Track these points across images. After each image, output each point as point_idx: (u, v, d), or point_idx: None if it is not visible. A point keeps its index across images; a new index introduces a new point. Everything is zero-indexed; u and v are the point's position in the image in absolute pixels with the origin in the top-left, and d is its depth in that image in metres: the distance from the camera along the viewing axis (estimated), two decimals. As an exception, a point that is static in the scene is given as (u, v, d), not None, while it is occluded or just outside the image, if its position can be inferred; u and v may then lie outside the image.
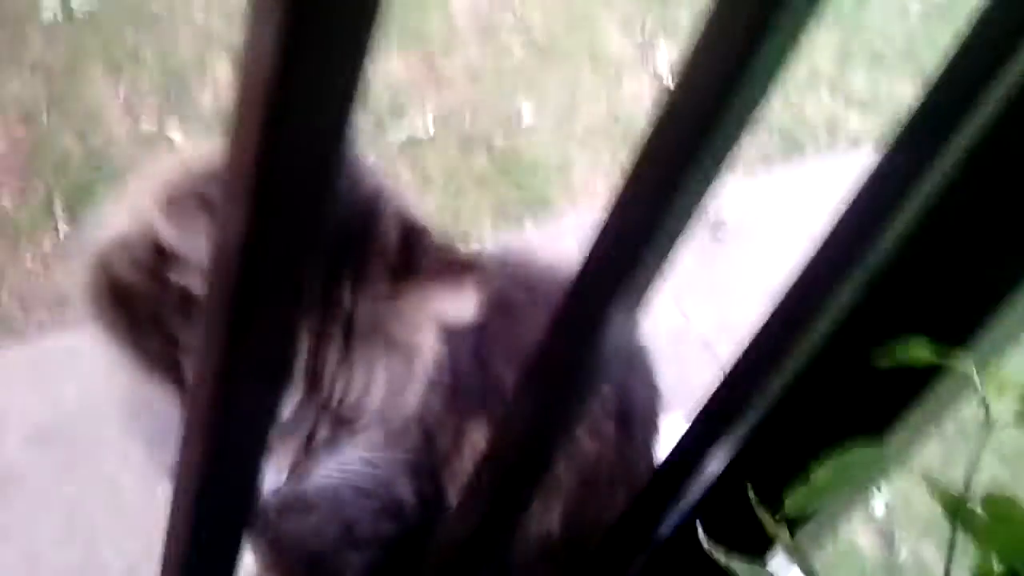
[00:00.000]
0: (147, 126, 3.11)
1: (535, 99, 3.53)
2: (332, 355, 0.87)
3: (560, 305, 0.66)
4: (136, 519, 2.47)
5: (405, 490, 1.02)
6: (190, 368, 0.88)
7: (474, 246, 3.13)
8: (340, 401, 0.89)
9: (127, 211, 0.96)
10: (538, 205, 3.32)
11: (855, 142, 3.66)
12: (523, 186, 3.35)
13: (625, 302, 0.62)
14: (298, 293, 0.48)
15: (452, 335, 1.02)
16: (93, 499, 2.49)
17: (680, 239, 0.59)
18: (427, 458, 1.02)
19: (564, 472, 1.06)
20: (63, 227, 2.86)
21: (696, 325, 3.06)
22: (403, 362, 0.92)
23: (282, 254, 0.45)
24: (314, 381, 0.88)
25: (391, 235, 0.91)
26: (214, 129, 3.16)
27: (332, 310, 0.87)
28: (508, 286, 1.09)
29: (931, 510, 2.85)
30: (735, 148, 0.54)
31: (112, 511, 2.48)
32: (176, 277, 0.90)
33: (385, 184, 0.97)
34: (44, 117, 3.04)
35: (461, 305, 0.92)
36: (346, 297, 0.87)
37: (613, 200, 0.59)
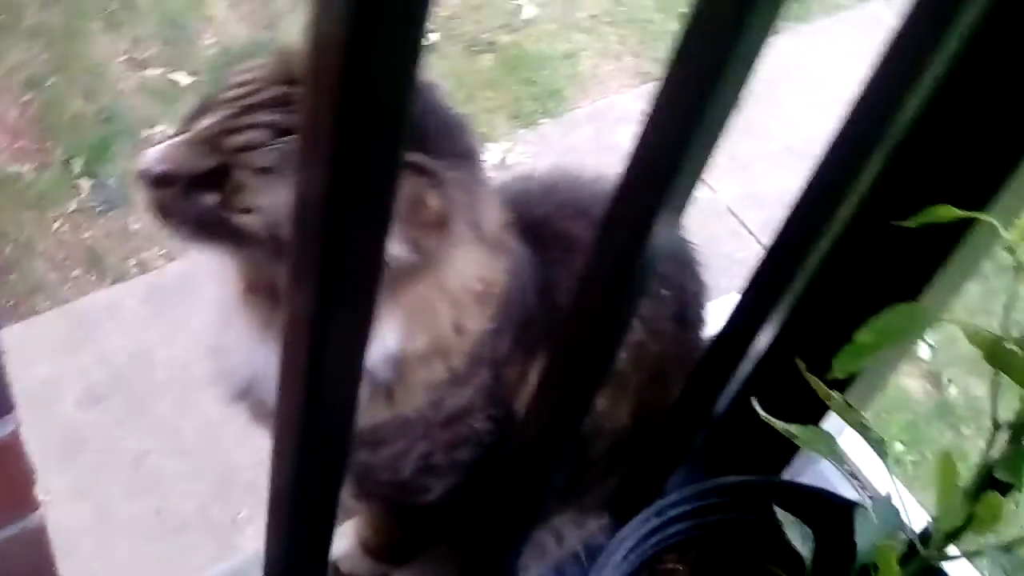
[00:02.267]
0: (152, 75, 3.11)
1: (532, -9, 3.50)
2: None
3: (605, 216, 0.67)
4: (200, 461, 2.52)
5: (478, 419, 1.06)
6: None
7: (504, 153, 3.14)
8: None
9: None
10: (550, 99, 3.31)
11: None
12: (533, 81, 3.34)
13: (669, 208, 0.63)
14: (382, 236, 0.50)
15: (521, 281, 1.06)
16: (156, 448, 2.54)
17: (719, 140, 0.60)
18: (497, 390, 1.05)
19: (632, 372, 1.10)
20: (84, 186, 2.89)
21: (722, 196, 3.07)
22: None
23: (365, 202, 0.47)
24: None
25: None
26: (219, 67, 3.16)
27: None
28: (562, 217, 1.11)
29: (974, 348, 2.87)
30: (766, 44, 0.54)
31: (176, 456, 2.53)
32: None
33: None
34: (50, 80, 3.04)
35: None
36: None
37: (649, 107, 0.59)
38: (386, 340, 0.95)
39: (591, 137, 3.25)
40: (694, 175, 0.62)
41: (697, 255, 1.20)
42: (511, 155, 3.13)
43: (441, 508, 1.16)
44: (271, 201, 0.88)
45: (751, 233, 3.01)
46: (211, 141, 0.91)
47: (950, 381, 2.85)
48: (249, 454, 2.49)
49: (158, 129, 2.99)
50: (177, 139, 0.92)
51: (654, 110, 0.59)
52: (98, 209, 2.84)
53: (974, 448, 2.72)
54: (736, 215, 3.07)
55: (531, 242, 1.09)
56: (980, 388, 2.83)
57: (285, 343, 0.59)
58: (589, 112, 3.34)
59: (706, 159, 0.61)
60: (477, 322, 1.01)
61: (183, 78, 3.11)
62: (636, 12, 3.56)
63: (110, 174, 2.89)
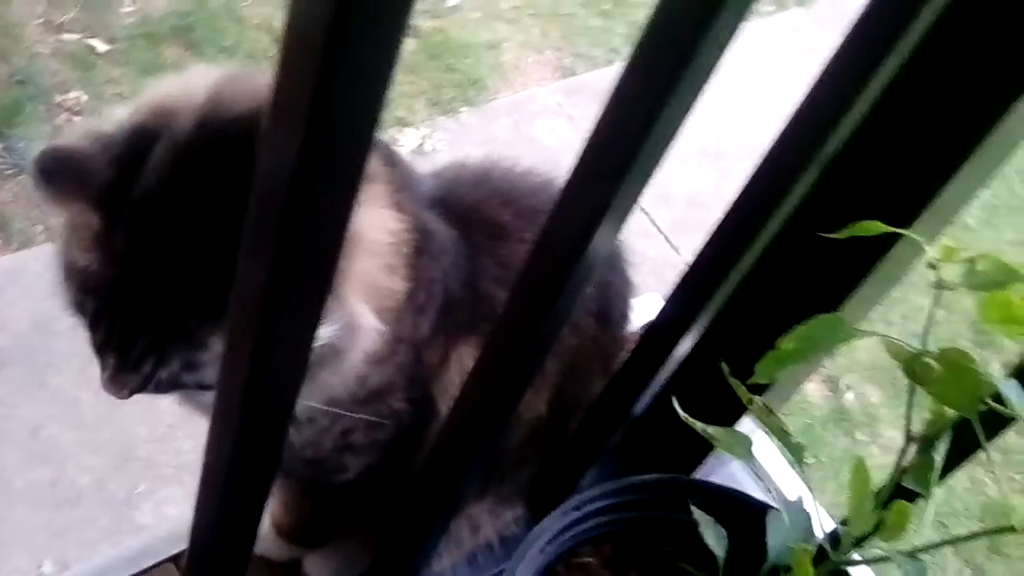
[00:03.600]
0: (69, 39, 3.05)
1: (457, -22, 3.51)
2: None
3: (547, 222, 0.68)
4: (99, 434, 2.49)
5: (397, 399, 1.07)
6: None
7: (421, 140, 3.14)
8: None
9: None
10: (471, 87, 3.32)
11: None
12: (454, 69, 3.35)
13: (614, 216, 0.64)
14: (346, 215, 0.50)
15: (443, 263, 1.07)
16: (54, 418, 2.51)
17: (670, 144, 0.61)
18: (416, 373, 1.06)
19: (549, 363, 1.11)
20: (-5, 147, 2.83)
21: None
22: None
23: (331, 180, 0.47)
24: None
25: None
26: (136, 36, 3.11)
27: None
28: (493, 205, 1.12)
29: (873, 356, 2.98)
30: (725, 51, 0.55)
31: (74, 428, 2.50)
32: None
33: None
34: (-39, 39, 2.97)
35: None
36: None
37: (601, 111, 0.60)
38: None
39: (510, 128, 3.27)
40: (645, 177, 0.63)
41: (625, 253, 1.22)
42: (429, 141, 3.13)
43: (355, 488, 1.16)
44: None
45: (661, 232, 3.05)
46: None
47: (848, 387, 2.92)
48: (149, 430, 2.47)
49: (72, 95, 2.94)
50: None
51: (608, 109, 0.60)
52: (7, 172, 2.79)
53: (867, 454, 2.80)
54: (647, 213, 3.12)
55: (458, 226, 1.10)
56: (876, 395, 2.91)
57: (234, 320, 0.59)
58: (509, 103, 3.36)
59: (657, 161, 0.62)
60: (394, 280, 1.00)
61: (100, 45, 3.06)
62: (559, 6, 3.59)
63: (21, 137, 2.83)
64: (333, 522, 1.33)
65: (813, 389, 2.90)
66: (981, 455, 0.85)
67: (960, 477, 2.64)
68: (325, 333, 0.88)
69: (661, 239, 3.04)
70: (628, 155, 0.60)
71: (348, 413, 1.03)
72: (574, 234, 0.66)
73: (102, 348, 0.94)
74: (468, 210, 1.12)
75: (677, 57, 0.54)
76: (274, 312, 0.54)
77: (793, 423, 2.78)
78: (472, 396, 0.86)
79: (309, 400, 0.98)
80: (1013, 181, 3.71)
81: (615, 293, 1.20)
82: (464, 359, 1.08)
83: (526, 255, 0.71)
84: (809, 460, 2.66)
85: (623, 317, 1.22)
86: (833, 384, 2.94)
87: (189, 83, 0.94)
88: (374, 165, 0.95)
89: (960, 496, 2.68)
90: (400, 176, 1.03)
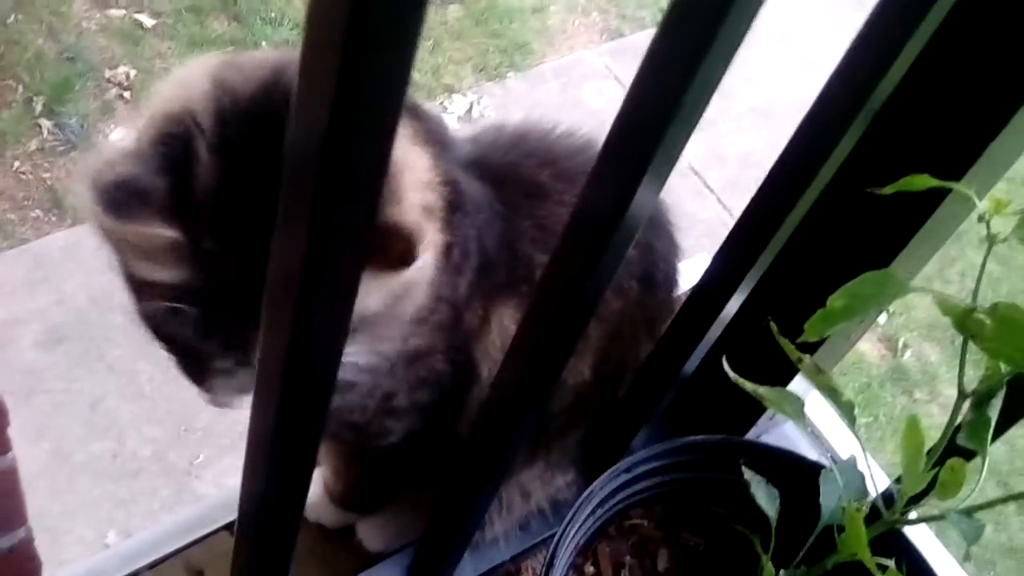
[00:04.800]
0: (115, 14, 3.07)
1: (502, -57, 3.48)
2: None
3: (590, 179, 0.68)
4: (157, 405, 2.52)
5: (439, 360, 1.07)
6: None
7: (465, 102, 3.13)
8: None
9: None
10: (517, 52, 3.31)
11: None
12: (500, 34, 3.33)
13: (655, 174, 0.63)
14: (378, 184, 0.50)
15: (478, 221, 1.06)
16: (113, 391, 2.55)
17: (709, 98, 0.60)
18: (456, 334, 1.06)
19: (593, 328, 1.10)
20: (46, 124, 2.85)
21: (685, 155, 3.08)
22: None
23: (363, 145, 0.47)
24: None
25: None
26: (182, 9, 3.12)
27: None
28: (531, 166, 1.11)
29: (931, 314, 2.94)
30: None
31: (133, 400, 2.53)
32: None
33: None
34: (11, 19, 2.99)
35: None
36: None
37: (639, 70, 0.59)
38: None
39: (557, 92, 3.25)
40: (683, 136, 0.63)
41: (669, 216, 1.20)
42: (476, 107, 3.13)
43: (401, 453, 1.16)
44: None
45: (713, 192, 3.03)
46: None
47: (906, 346, 2.89)
48: (207, 400, 2.49)
49: (121, 70, 2.96)
50: None
51: (646, 66, 0.59)
52: (59, 149, 2.82)
53: (926, 413, 2.78)
54: (699, 174, 3.09)
55: (494, 186, 1.09)
56: (935, 354, 2.88)
57: (271, 292, 0.59)
58: (555, 67, 3.34)
59: (696, 119, 0.61)
60: (432, 227, 0.97)
61: (147, 19, 3.08)
62: (605, -40, 3.56)
63: (72, 114, 2.86)
64: (382, 488, 1.34)
65: (870, 348, 2.88)
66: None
67: (1020, 434, 2.61)
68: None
69: (713, 200, 3.01)
70: (667, 111, 0.59)
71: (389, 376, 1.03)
72: (615, 193, 0.65)
73: (216, 353, 0.94)
74: (505, 171, 1.11)
75: (713, 11, 0.53)
76: (314, 275, 0.54)
77: (850, 382, 2.76)
78: (516, 362, 0.85)
79: (358, 358, 0.98)
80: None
81: (659, 257, 1.19)
82: (504, 321, 1.08)
83: (566, 217, 0.71)
84: (867, 420, 2.66)
85: (668, 280, 1.21)
86: (891, 343, 2.91)
87: (184, 84, 0.94)
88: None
89: (1021, 453, 2.65)
90: (427, 130, 1.03)
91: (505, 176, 1.10)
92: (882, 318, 2.90)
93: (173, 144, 0.88)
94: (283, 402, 0.64)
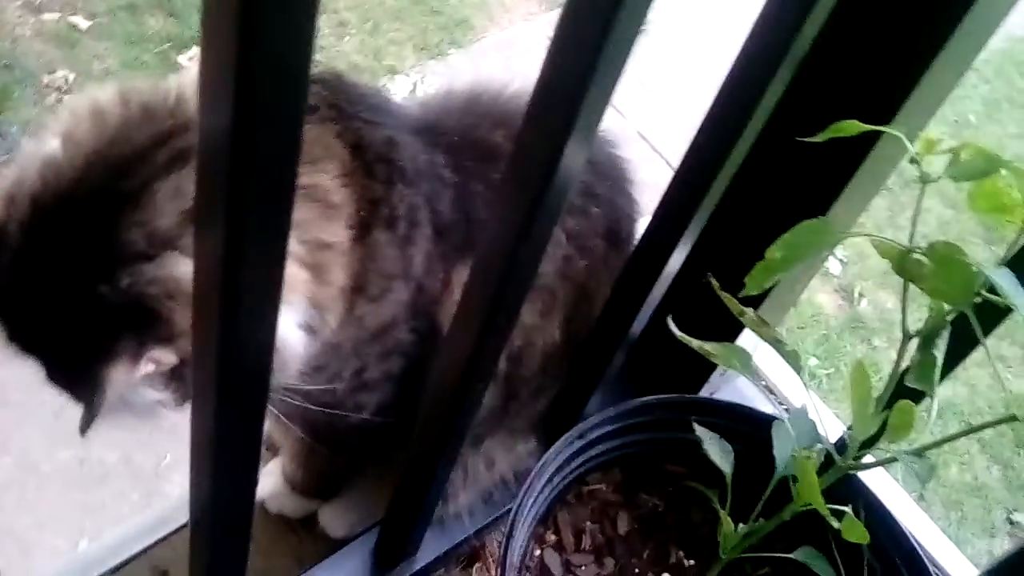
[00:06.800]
0: (49, 18, 3.03)
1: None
2: None
3: (516, 141, 0.67)
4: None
5: (402, 331, 1.06)
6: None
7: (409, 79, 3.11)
8: None
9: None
10: (457, 28, 3.28)
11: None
12: (439, 11, 3.31)
13: (581, 124, 0.63)
14: (292, 171, 0.50)
15: (424, 190, 1.05)
16: (75, 398, 2.51)
17: (630, 50, 0.59)
18: (419, 303, 1.05)
19: (560, 288, 1.10)
20: (-15, 133, 2.81)
21: (632, 121, 3.08)
22: None
23: (271, 143, 0.47)
24: None
25: None
26: (117, 8, 3.08)
27: None
28: (484, 128, 1.10)
29: (885, 262, 2.93)
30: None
31: (96, 406, 2.50)
32: None
33: None
34: (-58, 27, 2.95)
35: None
36: None
37: (557, 26, 0.59)
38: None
39: (501, 65, 3.23)
40: (606, 90, 0.62)
41: (629, 174, 1.20)
42: (420, 87, 3.11)
43: (370, 427, 1.15)
44: None
45: (662, 157, 3.02)
46: None
47: (861, 295, 2.90)
48: (169, 400, 2.47)
49: (59, 74, 2.92)
50: None
51: (561, 28, 0.59)
52: (2, 158, 2.77)
53: (886, 359, 2.79)
54: (647, 140, 3.08)
55: (445, 151, 1.09)
56: (891, 301, 2.89)
57: (197, 288, 0.58)
58: (497, 41, 3.32)
59: (618, 75, 0.61)
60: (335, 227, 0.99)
61: (82, 21, 3.03)
62: (539, -64, 3.54)
63: (12, 122, 2.82)
64: (343, 471, 1.33)
65: (827, 300, 2.89)
66: (1003, 351, 0.84)
67: (982, 375, 2.63)
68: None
69: (663, 164, 3.01)
70: (588, 65, 0.58)
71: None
72: (545, 150, 0.65)
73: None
74: (457, 135, 1.11)
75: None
76: (234, 276, 0.54)
77: (809, 335, 2.77)
78: (461, 327, 0.85)
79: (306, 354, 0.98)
80: (1012, 74, 3.66)
81: (622, 213, 1.19)
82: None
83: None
84: (828, 371, 2.67)
85: (631, 236, 1.21)
86: (847, 293, 2.92)
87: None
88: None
89: (983, 394, 2.67)
90: (350, 111, 1.03)
91: (458, 141, 1.10)
92: (836, 268, 2.91)
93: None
94: (220, 398, 0.63)
